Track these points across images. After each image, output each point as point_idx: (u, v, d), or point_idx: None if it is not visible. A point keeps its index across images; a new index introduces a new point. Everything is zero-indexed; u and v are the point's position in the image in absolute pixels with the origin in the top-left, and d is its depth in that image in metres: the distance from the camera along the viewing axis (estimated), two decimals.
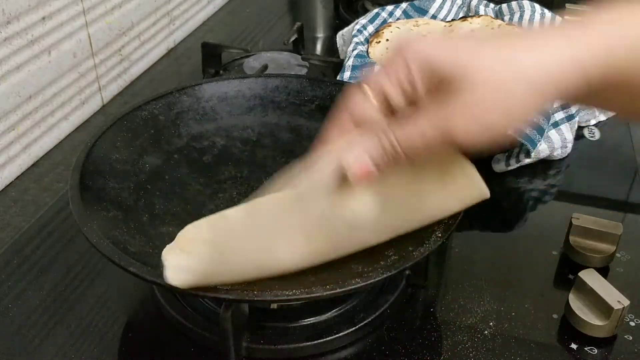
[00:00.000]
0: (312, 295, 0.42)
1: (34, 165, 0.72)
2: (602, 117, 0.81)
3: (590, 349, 0.50)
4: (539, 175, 0.71)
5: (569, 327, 0.51)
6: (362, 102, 0.40)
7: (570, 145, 0.73)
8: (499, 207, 0.69)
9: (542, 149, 0.70)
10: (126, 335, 0.51)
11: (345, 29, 0.89)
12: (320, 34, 1.06)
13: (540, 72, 0.37)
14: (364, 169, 0.39)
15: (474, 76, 0.36)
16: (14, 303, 0.53)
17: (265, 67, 0.85)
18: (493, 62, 0.37)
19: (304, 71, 0.86)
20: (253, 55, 0.90)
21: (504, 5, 0.86)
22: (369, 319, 0.51)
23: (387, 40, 0.80)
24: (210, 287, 0.41)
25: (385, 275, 0.43)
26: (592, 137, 0.78)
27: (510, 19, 0.84)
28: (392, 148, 0.39)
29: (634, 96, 0.39)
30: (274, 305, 0.51)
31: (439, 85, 0.38)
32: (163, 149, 0.59)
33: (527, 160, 0.70)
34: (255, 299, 0.41)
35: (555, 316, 0.53)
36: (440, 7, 0.90)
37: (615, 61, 0.37)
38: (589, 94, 0.38)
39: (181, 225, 0.49)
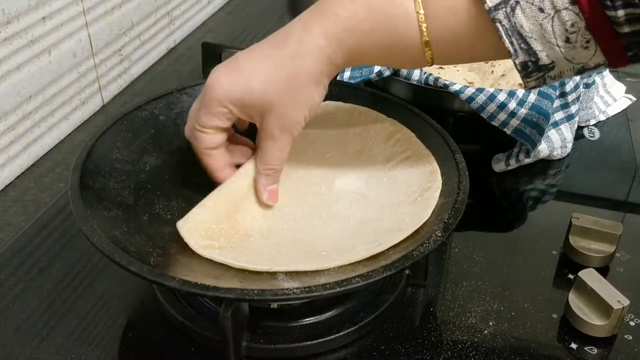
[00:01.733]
0: (312, 294, 0.42)
1: (34, 165, 0.72)
2: (602, 117, 0.82)
3: (590, 349, 0.50)
4: (539, 175, 0.72)
5: (569, 327, 0.51)
6: (209, 139, 0.51)
7: (570, 145, 0.73)
8: (499, 207, 0.69)
9: (542, 149, 0.70)
10: (126, 335, 0.51)
11: None
12: None
13: (309, 80, 0.48)
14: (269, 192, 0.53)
15: (269, 107, 0.48)
16: (14, 303, 0.53)
17: None
18: (278, 89, 0.48)
19: None
20: None
21: None
22: (369, 319, 0.51)
23: None
24: (210, 286, 0.41)
25: (385, 275, 0.43)
26: (592, 137, 0.79)
27: None
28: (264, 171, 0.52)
29: (380, 57, 0.48)
30: (274, 305, 0.51)
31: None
32: (163, 149, 0.59)
33: (527, 160, 0.70)
34: (256, 298, 0.41)
35: (555, 316, 0.53)
36: None
37: (355, 43, 0.47)
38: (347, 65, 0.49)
39: None
